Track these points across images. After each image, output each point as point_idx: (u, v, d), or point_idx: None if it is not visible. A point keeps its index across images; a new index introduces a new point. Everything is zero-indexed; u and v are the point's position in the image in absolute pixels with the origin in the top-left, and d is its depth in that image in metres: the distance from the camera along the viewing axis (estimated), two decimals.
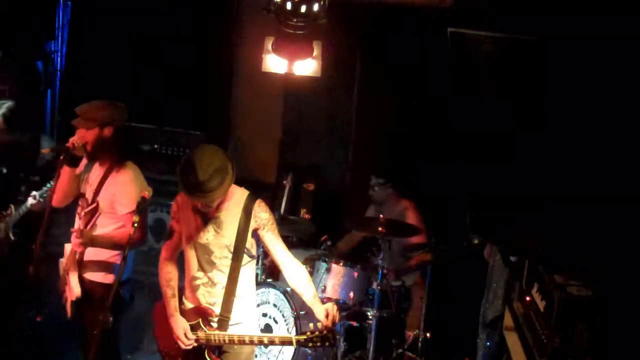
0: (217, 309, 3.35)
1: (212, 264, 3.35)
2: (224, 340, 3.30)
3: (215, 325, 3.34)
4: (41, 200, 4.39)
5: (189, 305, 3.45)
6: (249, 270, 3.44)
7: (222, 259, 3.34)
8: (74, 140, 3.69)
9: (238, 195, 3.39)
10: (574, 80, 3.21)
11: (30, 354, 4.70)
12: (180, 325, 3.34)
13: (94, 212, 3.79)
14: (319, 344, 3.11)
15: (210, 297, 3.37)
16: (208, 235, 3.35)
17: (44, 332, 4.76)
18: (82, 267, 3.81)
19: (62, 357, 4.70)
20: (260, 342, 3.37)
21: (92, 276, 3.81)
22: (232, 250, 3.32)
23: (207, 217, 3.35)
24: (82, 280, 3.79)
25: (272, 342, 3.37)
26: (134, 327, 4.15)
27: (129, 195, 3.72)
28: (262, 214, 3.37)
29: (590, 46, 3.08)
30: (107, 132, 3.76)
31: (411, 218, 5.44)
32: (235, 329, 3.35)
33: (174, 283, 3.48)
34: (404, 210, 5.55)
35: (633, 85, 2.94)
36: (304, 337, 3.13)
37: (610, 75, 3.04)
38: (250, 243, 3.39)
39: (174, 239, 3.50)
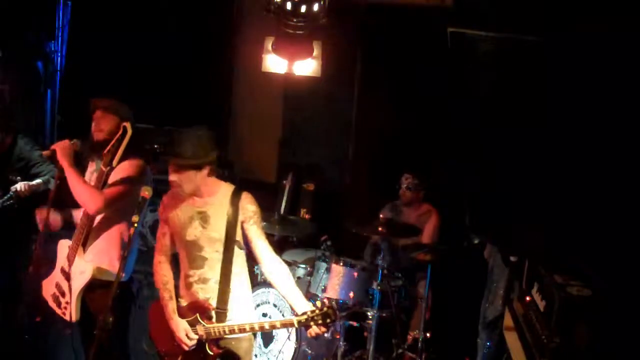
0: (213, 303, 3.36)
1: (204, 259, 3.36)
2: (225, 332, 3.30)
3: (213, 318, 3.34)
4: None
5: (184, 302, 3.45)
6: (240, 262, 3.42)
7: (214, 254, 3.34)
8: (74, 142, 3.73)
9: (224, 190, 3.40)
10: (575, 80, 3.21)
11: (29, 355, 4.70)
12: (181, 327, 3.34)
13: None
14: (320, 321, 3.11)
15: (205, 293, 3.38)
16: (195, 232, 3.35)
17: (43, 333, 4.75)
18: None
19: (62, 358, 4.70)
20: (262, 329, 3.37)
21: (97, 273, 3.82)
22: (223, 243, 3.32)
23: (192, 213, 3.36)
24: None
25: (273, 327, 3.36)
26: (132, 327, 4.15)
27: (132, 172, 3.75)
28: (249, 206, 3.37)
29: (590, 46, 3.08)
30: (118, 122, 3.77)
31: (433, 222, 5.44)
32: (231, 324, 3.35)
33: (170, 285, 3.50)
34: (428, 212, 5.53)
35: (634, 85, 2.94)
36: (305, 317, 3.14)
37: (611, 75, 3.04)
38: (239, 235, 3.39)
39: (164, 241, 3.53)
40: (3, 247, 4.78)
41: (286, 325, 3.30)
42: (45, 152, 3.80)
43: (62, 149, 3.65)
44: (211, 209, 3.36)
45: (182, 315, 3.39)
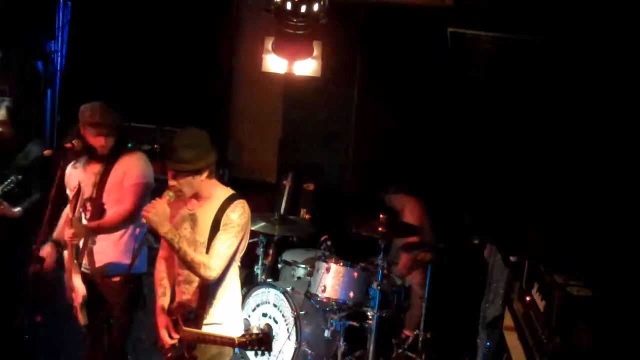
0: (193, 307, 3.35)
1: None
2: (195, 338, 3.28)
3: (190, 322, 3.32)
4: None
5: (175, 300, 3.46)
6: (229, 269, 3.38)
7: None
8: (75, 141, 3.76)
9: (219, 194, 3.34)
10: (574, 79, 3.22)
11: (30, 354, 4.70)
12: (163, 324, 3.35)
13: (92, 207, 3.80)
14: (255, 346, 3.13)
15: (188, 294, 3.36)
16: (185, 233, 3.32)
17: (43, 332, 4.75)
18: (94, 269, 3.83)
19: (62, 357, 4.71)
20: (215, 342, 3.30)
21: (106, 272, 3.87)
22: (206, 248, 3.28)
23: (185, 213, 3.34)
24: (94, 281, 3.82)
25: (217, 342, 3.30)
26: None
27: (138, 168, 3.86)
28: (231, 214, 3.26)
29: (589, 46, 3.09)
30: (115, 134, 3.89)
31: (413, 203, 5.46)
32: (213, 329, 3.32)
33: (165, 282, 3.49)
34: (405, 198, 5.54)
35: (633, 85, 2.95)
36: (244, 339, 3.14)
37: (610, 75, 3.04)
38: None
39: None
40: (3, 247, 4.79)
41: (225, 342, 3.24)
42: (46, 152, 3.81)
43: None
44: (200, 212, 3.33)
45: (171, 312, 3.39)
